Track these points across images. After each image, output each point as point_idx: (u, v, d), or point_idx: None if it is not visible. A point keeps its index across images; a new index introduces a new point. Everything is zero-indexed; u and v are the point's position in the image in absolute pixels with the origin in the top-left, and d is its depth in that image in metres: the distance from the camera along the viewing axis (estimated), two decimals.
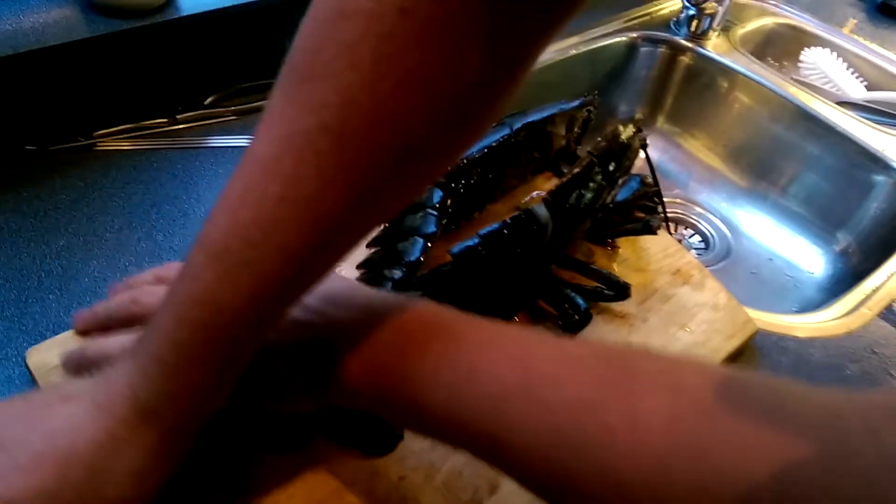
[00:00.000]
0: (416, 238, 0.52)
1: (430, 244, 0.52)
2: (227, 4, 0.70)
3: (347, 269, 0.52)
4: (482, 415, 0.32)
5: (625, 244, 0.63)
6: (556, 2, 0.30)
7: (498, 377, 0.32)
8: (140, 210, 0.62)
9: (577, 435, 0.30)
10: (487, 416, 0.32)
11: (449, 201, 0.55)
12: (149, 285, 0.46)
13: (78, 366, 0.43)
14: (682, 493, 0.27)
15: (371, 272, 0.51)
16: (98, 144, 0.67)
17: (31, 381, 0.47)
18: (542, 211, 0.51)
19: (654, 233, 0.60)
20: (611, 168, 0.57)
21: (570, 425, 0.30)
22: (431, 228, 0.53)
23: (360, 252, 0.54)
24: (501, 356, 0.33)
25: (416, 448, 0.45)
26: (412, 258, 0.50)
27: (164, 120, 0.71)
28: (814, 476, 0.24)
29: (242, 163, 0.31)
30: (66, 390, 0.34)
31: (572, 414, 0.30)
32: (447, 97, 0.30)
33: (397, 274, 0.49)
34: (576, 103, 0.66)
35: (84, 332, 0.46)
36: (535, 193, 0.64)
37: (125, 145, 0.68)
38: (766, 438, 0.26)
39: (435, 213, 0.54)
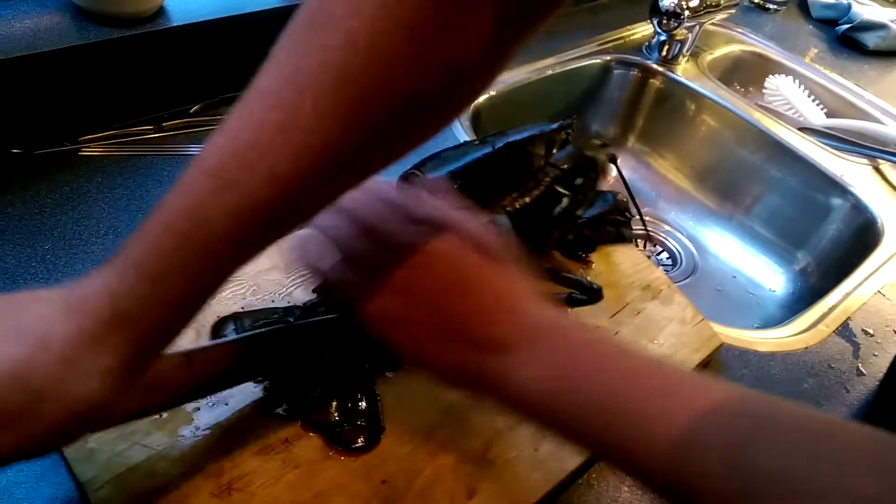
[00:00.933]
0: None
1: None
2: (215, 16, 0.72)
3: None
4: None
5: (598, 259, 0.66)
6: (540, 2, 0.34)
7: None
8: (125, 215, 0.63)
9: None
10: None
11: None
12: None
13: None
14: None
15: None
16: (83, 150, 0.67)
17: None
18: (503, 220, 0.54)
19: (629, 241, 0.63)
20: (577, 182, 0.59)
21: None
22: None
23: None
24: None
25: (397, 453, 0.47)
26: None
27: (150, 127, 0.72)
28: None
29: (245, 96, 0.32)
30: (38, 293, 0.34)
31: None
32: (440, 58, 0.32)
33: None
34: (555, 126, 0.68)
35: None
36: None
37: (111, 151, 0.68)
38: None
39: None
